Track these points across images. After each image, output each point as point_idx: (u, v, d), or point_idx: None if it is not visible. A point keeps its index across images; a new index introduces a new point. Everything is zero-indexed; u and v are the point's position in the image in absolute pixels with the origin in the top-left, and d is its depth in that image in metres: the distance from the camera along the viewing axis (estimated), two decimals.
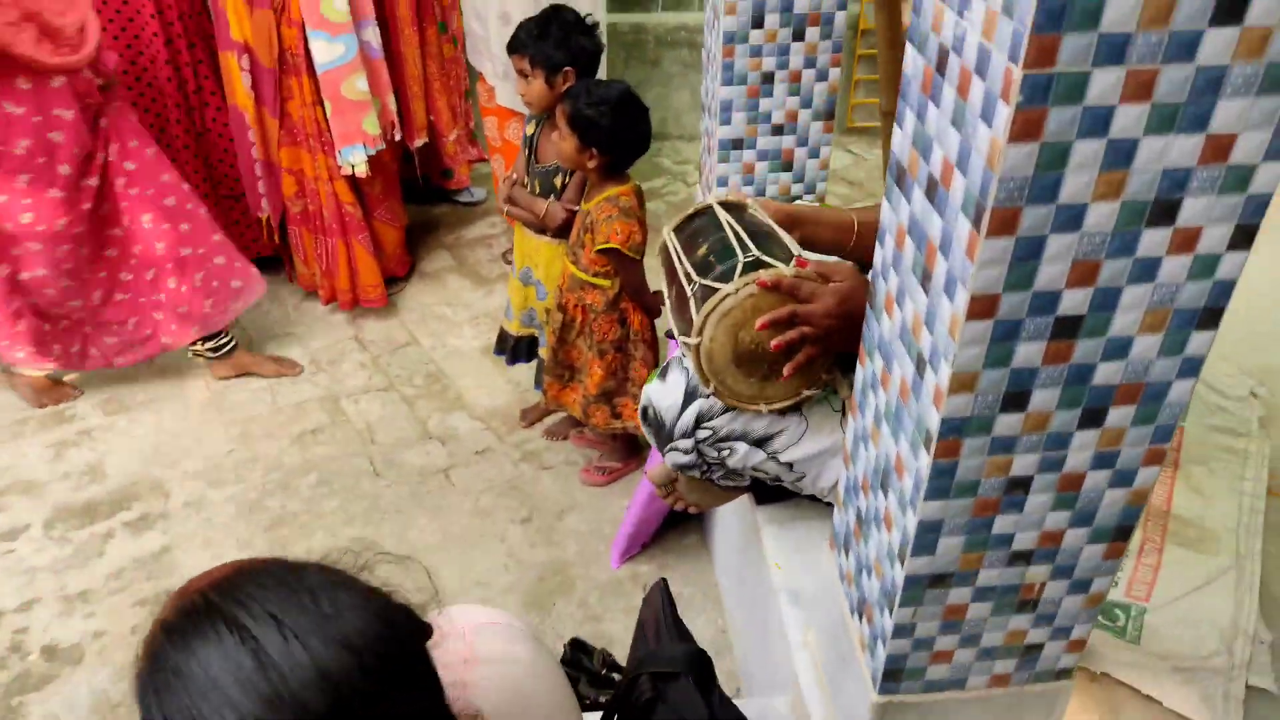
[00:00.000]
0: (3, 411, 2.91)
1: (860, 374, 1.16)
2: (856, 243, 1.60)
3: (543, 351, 2.57)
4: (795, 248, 1.40)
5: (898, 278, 1.01)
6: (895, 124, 1.00)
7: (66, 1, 2.31)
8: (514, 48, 2.32)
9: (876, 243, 1.08)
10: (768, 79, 1.92)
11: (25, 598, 2.27)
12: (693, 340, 1.35)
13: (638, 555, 2.30)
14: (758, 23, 1.85)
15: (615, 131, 2.09)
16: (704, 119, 2.17)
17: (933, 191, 0.90)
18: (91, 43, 2.36)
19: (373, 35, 2.97)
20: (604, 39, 2.48)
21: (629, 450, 2.57)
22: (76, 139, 2.43)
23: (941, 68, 0.87)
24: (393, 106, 3.11)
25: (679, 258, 1.51)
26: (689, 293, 1.41)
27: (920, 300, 0.94)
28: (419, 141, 3.43)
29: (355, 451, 2.71)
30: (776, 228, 1.49)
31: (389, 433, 2.78)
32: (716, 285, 1.33)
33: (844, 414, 1.47)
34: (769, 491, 1.64)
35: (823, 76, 1.92)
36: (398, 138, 3.19)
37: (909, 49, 0.95)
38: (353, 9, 2.82)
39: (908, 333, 0.99)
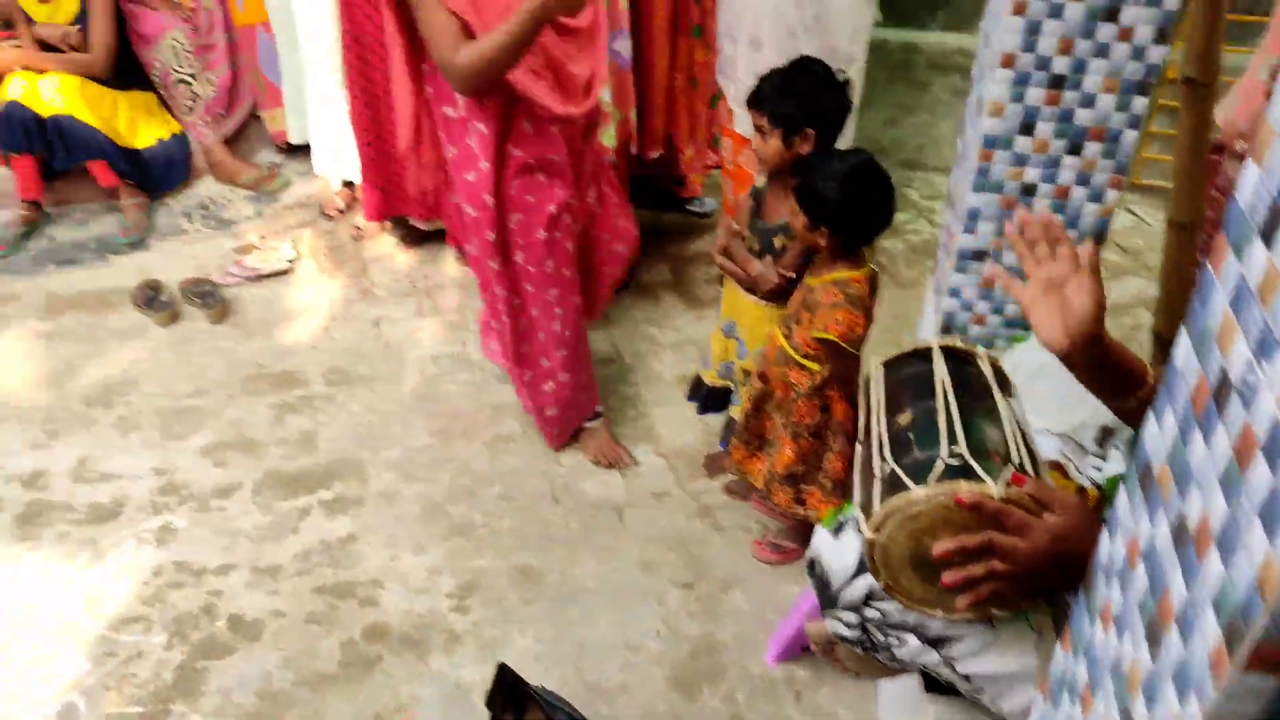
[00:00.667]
0: (243, 365, 3.15)
1: (1059, 660, 0.97)
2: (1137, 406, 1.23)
3: (734, 411, 2.45)
4: (1016, 446, 1.20)
5: (1122, 600, 0.82)
6: (1153, 413, 0.79)
7: (583, 52, 2.31)
8: (754, 102, 2.15)
9: (1107, 531, 0.89)
10: (1028, 191, 1.67)
11: (225, 560, 2.44)
12: (869, 534, 1.19)
13: (797, 657, 2.16)
14: (1027, 129, 1.59)
15: (845, 208, 1.91)
16: (946, 212, 1.94)
17: (1182, 542, 0.71)
18: (596, 94, 2.36)
19: (624, 46, 2.91)
20: (857, 87, 2.28)
21: (809, 533, 2.41)
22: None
23: (1220, 400, 0.67)
24: (634, 119, 3.05)
25: (878, 411, 1.35)
26: (876, 470, 1.25)
27: (1142, 658, 0.75)
28: (655, 154, 3.35)
29: (540, 470, 2.72)
30: (1000, 400, 1.30)
31: (575, 454, 2.77)
32: (908, 482, 1.16)
33: (1040, 635, 1.26)
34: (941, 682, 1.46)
35: (1096, 197, 1.64)
36: (634, 151, 3.13)
37: (1183, 337, 0.74)
38: (609, 19, 2.76)
39: (1120, 674, 0.79)
